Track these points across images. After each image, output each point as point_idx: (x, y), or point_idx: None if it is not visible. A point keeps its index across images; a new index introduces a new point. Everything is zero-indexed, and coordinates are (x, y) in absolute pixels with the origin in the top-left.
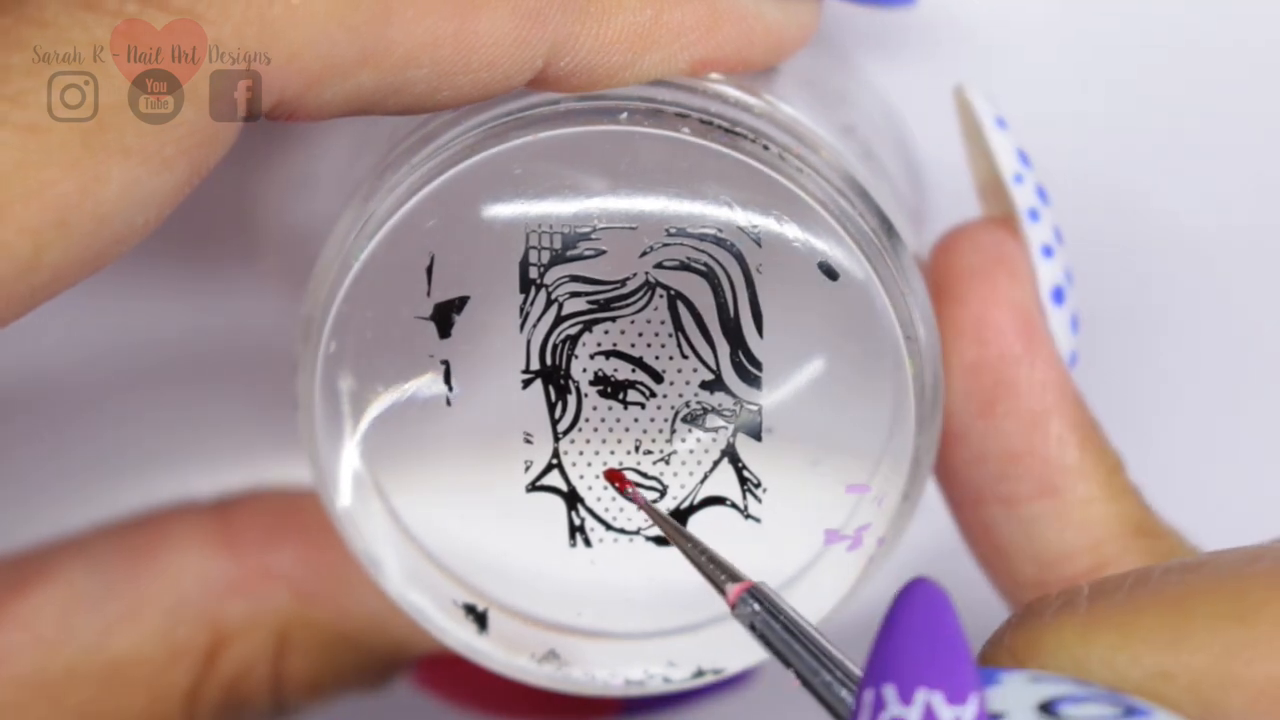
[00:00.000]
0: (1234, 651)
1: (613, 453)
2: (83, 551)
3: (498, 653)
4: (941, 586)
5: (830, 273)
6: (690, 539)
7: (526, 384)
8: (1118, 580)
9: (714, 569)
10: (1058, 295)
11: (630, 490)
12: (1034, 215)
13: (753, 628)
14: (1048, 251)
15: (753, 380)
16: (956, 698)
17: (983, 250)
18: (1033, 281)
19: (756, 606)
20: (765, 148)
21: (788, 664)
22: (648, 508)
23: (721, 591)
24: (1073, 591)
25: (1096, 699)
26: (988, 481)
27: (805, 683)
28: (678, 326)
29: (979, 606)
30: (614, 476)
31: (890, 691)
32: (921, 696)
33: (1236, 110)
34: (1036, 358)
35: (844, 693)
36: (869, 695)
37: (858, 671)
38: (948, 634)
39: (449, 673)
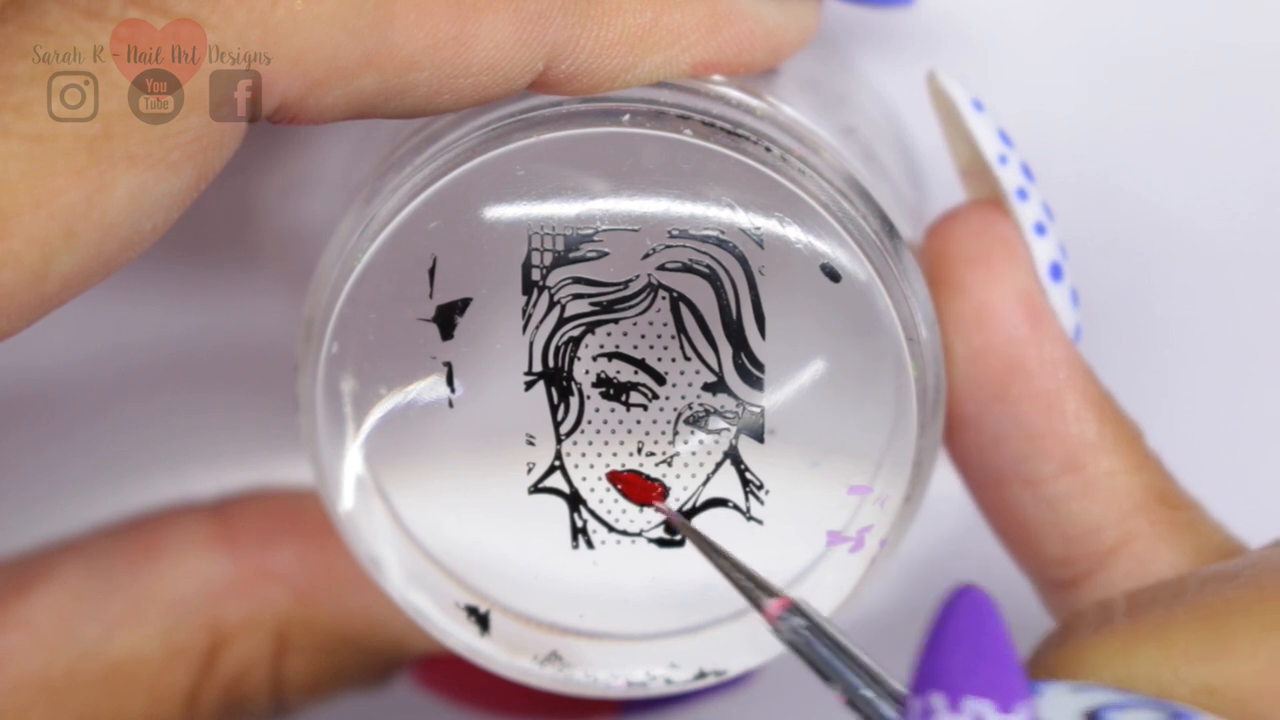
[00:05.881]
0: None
1: (615, 455)
2: (83, 553)
3: (499, 654)
4: (988, 594)
5: (832, 274)
6: (725, 554)
7: (529, 386)
8: (1153, 592)
9: (750, 584)
10: (1055, 271)
11: (656, 505)
12: (1023, 194)
13: (793, 644)
14: (1040, 229)
15: (755, 382)
16: (1005, 706)
17: (978, 234)
18: (1030, 261)
19: (797, 622)
20: (767, 149)
21: (828, 680)
22: (683, 525)
23: (759, 607)
24: (1108, 606)
25: (1140, 705)
26: (1008, 463)
27: (849, 700)
28: (680, 328)
29: None
30: (636, 488)
31: (939, 700)
32: (971, 705)
33: (1235, 108)
34: (1044, 337)
35: (887, 708)
36: (917, 704)
37: (899, 686)
38: (996, 642)
39: (449, 672)
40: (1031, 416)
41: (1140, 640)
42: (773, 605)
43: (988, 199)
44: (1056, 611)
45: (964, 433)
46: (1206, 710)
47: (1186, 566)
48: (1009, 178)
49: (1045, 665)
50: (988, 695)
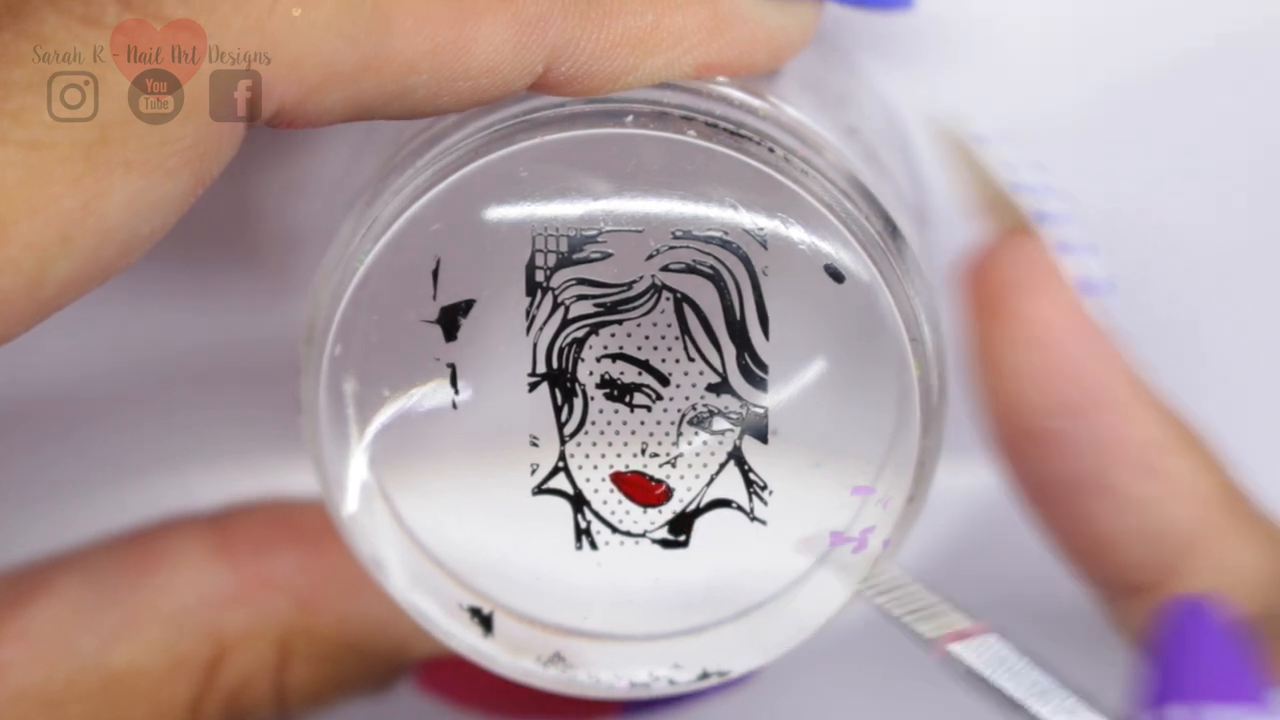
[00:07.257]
0: None
1: (619, 456)
2: (82, 564)
3: (503, 656)
4: (1214, 606)
5: (836, 275)
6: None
7: (533, 387)
8: None
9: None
10: (1091, 287)
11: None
12: (1049, 217)
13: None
14: (1073, 248)
15: (758, 382)
16: (1255, 709)
17: (1024, 262)
18: (1071, 280)
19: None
20: (770, 150)
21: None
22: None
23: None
24: None
25: None
26: (1082, 474)
27: None
28: (684, 329)
29: (980, 608)
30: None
31: (1181, 713)
32: (1211, 713)
33: (1235, 108)
34: (1104, 352)
35: None
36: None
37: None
38: (1232, 651)
39: (452, 675)
40: (1101, 427)
41: None
42: (945, 637)
43: (1014, 227)
44: (1123, 618)
45: (1032, 449)
46: None
47: (1265, 561)
48: (1032, 203)
49: None
50: (1234, 700)
